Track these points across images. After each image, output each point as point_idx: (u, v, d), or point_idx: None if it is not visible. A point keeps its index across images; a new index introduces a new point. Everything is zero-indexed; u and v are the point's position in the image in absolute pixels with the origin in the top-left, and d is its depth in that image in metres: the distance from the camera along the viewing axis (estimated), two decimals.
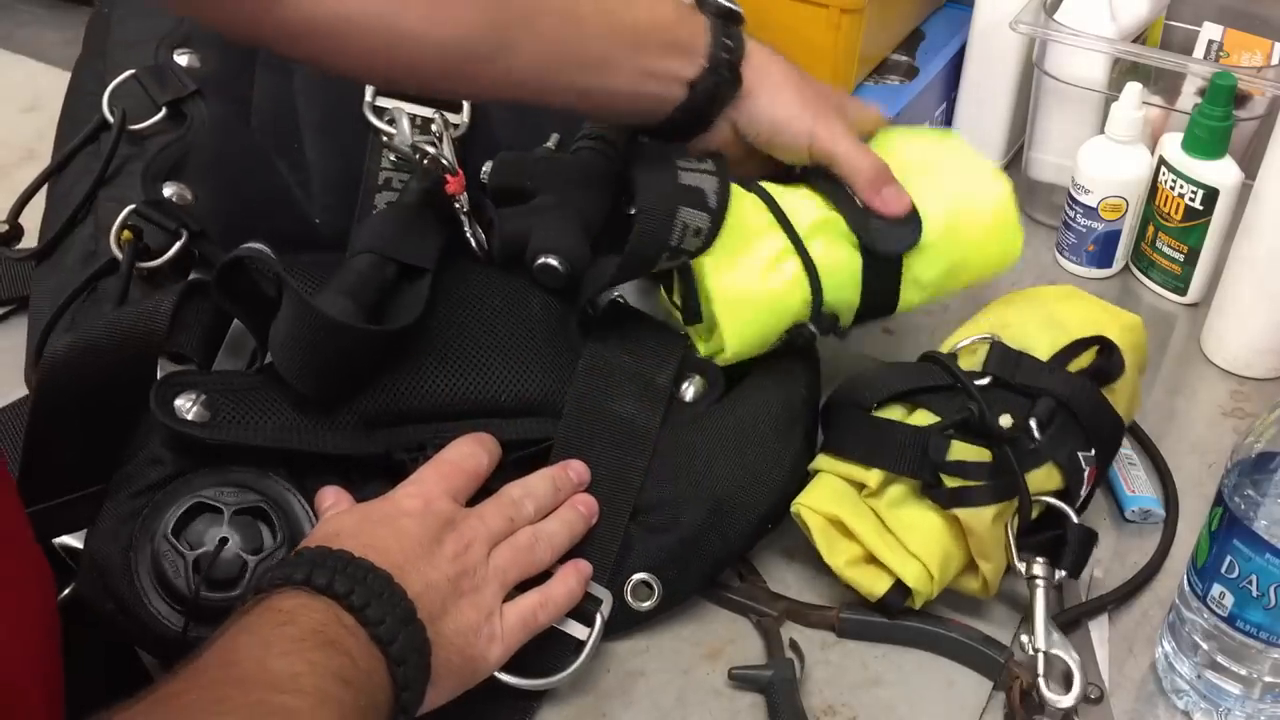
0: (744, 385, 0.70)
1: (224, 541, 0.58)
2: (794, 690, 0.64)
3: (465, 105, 0.73)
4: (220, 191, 0.70)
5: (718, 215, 0.66)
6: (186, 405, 0.60)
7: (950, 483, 0.65)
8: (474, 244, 0.68)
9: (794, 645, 0.67)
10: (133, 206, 0.69)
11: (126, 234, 0.68)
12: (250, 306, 0.63)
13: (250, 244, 0.62)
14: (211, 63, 0.74)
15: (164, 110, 0.73)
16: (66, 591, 0.61)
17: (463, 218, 0.68)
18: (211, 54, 0.74)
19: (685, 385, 0.69)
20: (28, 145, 1.02)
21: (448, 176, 0.67)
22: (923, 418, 0.68)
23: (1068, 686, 0.63)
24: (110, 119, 0.74)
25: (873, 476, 0.66)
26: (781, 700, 0.63)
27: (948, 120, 1.06)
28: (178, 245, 0.67)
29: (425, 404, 0.63)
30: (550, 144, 0.73)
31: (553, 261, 0.64)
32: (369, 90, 0.72)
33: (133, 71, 0.73)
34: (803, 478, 0.70)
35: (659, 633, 0.68)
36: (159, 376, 0.61)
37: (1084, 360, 0.71)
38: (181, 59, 0.74)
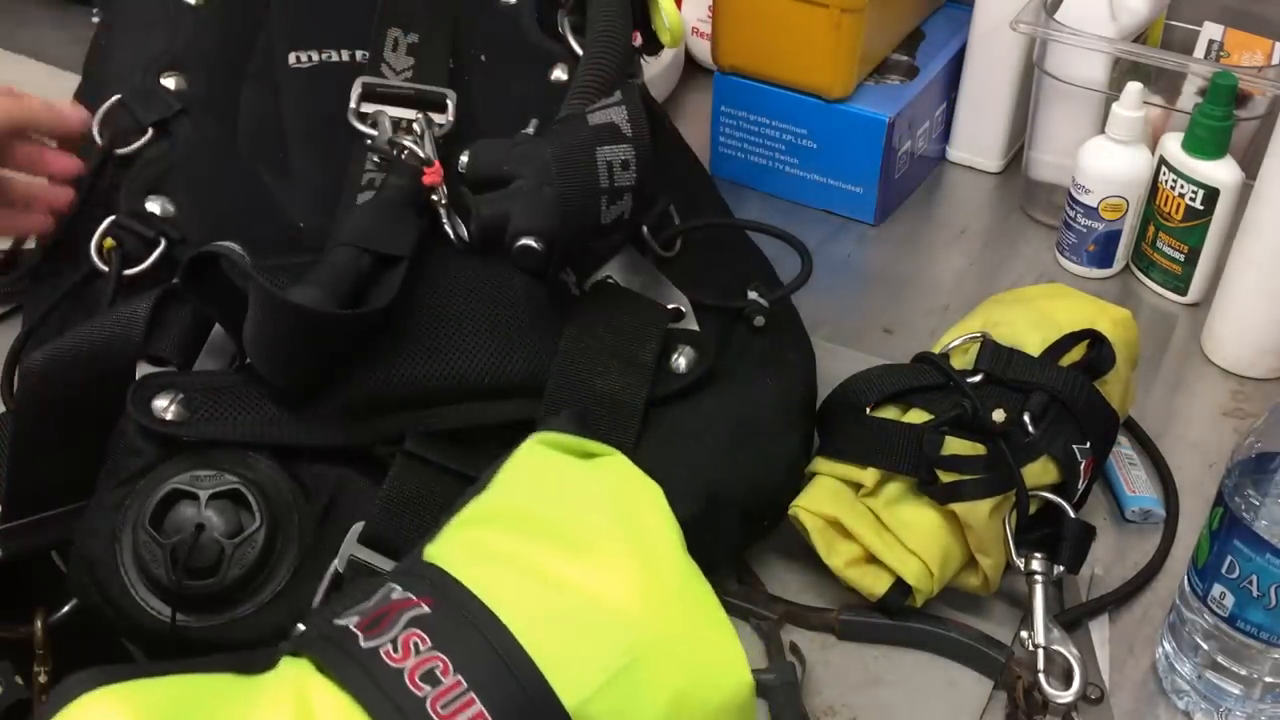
0: (741, 378, 0.69)
1: (200, 528, 0.58)
2: (796, 694, 0.64)
3: (450, 104, 0.73)
4: (202, 203, 0.70)
5: (640, 142, 0.63)
6: (164, 405, 0.60)
7: (946, 478, 0.65)
8: (453, 235, 0.68)
9: (794, 648, 0.67)
10: (111, 218, 0.69)
11: (109, 242, 0.68)
12: (226, 305, 0.63)
13: (220, 243, 0.62)
14: (199, 84, 0.75)
15: (150, 131, 0.73)
16: (64, 610, 0.61)
17: (441, 209, 0.68)
18: (199, 75, 0.75)
19: (675, 357, 0.67)
20: None
21: (425, 169, 0.67)
22: (917, 417, 0.68)
23: (1068, 683, 0.64)
24: (99, 141, 0.74)
25: (869, 476, 0.67)
26: (784, 704, 0.63)
27: (948, 120, 1.06)
28: (157, 252, 0.68)
29: (406, 391, 0.63)
30: (529, 129, 0.73)
31: (531, 243, 0.64)
32: (354, 96, 0.72)
33: (119, 96, 0.74)
34: (800, 477, 0.70)
35: None
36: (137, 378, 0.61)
37: (1075, 355, 0.72)
38: (169, 81, 0.74)
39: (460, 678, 0.41)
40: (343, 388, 0.62)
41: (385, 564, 0.58)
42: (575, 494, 0.48)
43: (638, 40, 0.82)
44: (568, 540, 0.45)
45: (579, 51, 0.76)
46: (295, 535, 0.59)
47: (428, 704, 0.40)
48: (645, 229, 0.71)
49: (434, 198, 0.68)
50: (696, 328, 0.70)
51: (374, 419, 0.63)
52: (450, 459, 0.61)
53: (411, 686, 0.40)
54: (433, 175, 0.67)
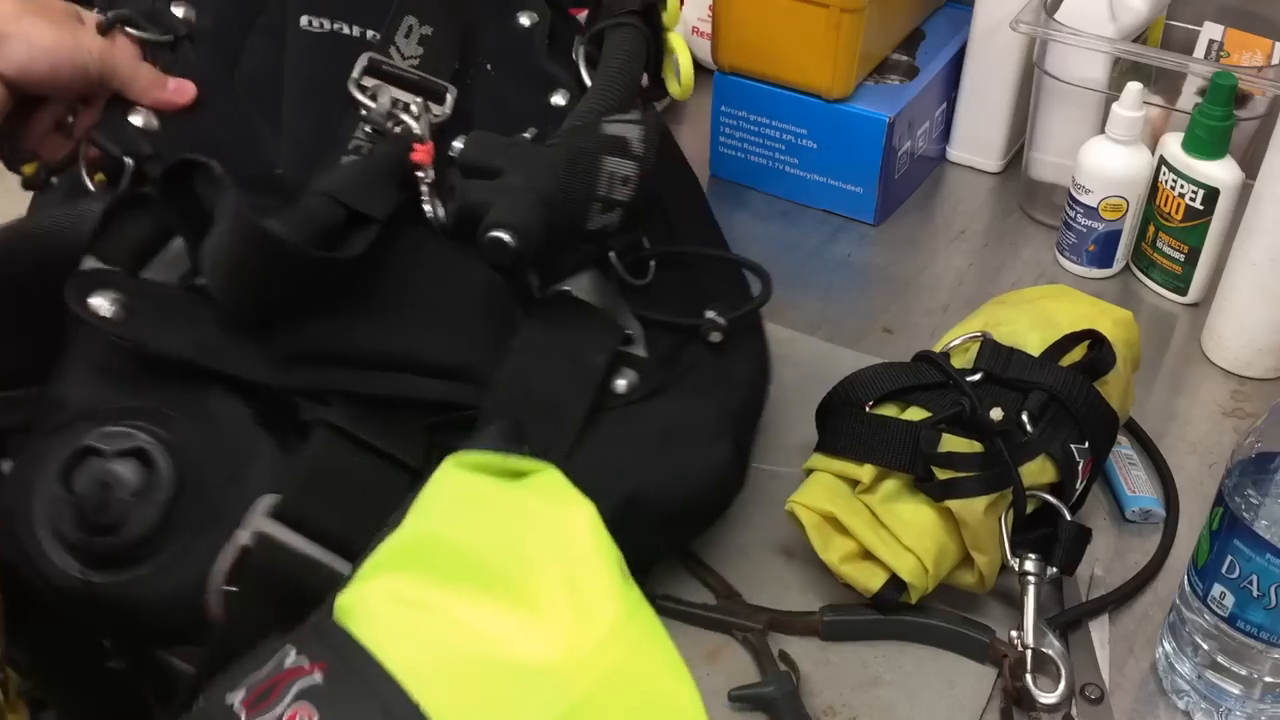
0: (681, 385, 0.69)
1: (105, 486, 0.57)
2: (799, 702, 0.64)
3: (449, 98, 0.73)
4: (186, 124, 0.70)
5: (645, 163, 0.65)
6: (102, 304, 0.59)
7: (942, 475, 0.65)
8: (431, 215, 0.68)
9: (784, 656, 0.66)
10: (86, 132, 0.69)
11: (100, 176, 0.68)
12: (190, 221, 0.62)
13: (202, 156, 0.62)
14: (206, 19, 0.75)
15: (152, 48, 0.73)
16: None
17: (424, 188, 0.68)
18: (208, 10, 0.75)
19: (616, 378, 0.68)
20: None
21: (415, 145, 0.68)
22: (916, 415, 0.68)
23: (1057, 684, 0.64)
24: None
25: (865, 472, 0.67)
26: (786, 714, 0.63)
27: (948, 120, 1.06)
28: (126, 174, 0.67)
29: (350, 349, 0.63)
30: (527, 135, 0.74)
31: (503, 236, 0.64)
32: (358, 67, 0.72)
33: (126, 10, 0.74)
34: (732, 486, 0.69)
35: None
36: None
37: (1076, 355, 0.72)
38: (178, 10, 0.74)
39: None
40: (286, 332, 0.62)
41: (295, 539, 0.58)
42: (499, 525, 0.44)
43: (645, 82, 0.83)
44: (491, 581, 0.41)
45: (587, 82, 0.77)
46: (202, 498, 0.59)
47: None
48: (613, 254, 0.71)
49: (419, 174, 0.68)
50: (644, 354, 0.70)
51: (309, 368, 0.62)
52: (372, 435, 0.61)
53: None
54: (423, 153, 0.68)
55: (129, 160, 0.67)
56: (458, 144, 0.70)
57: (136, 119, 0.69)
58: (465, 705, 0.38)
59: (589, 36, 0.79)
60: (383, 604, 0.42)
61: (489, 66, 0.78)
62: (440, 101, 0.73)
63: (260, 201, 0.63)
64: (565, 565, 0.42)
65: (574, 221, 0.65)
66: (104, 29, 0.69)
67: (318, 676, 0.39)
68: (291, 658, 0.41)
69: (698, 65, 1.15)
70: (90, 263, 0.62)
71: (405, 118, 0.69)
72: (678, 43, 0.82)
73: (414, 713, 0.38)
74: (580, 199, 0.64)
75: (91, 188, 0.68)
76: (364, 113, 0.71)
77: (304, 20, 0.76)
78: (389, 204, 0.66)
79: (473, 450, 0.48)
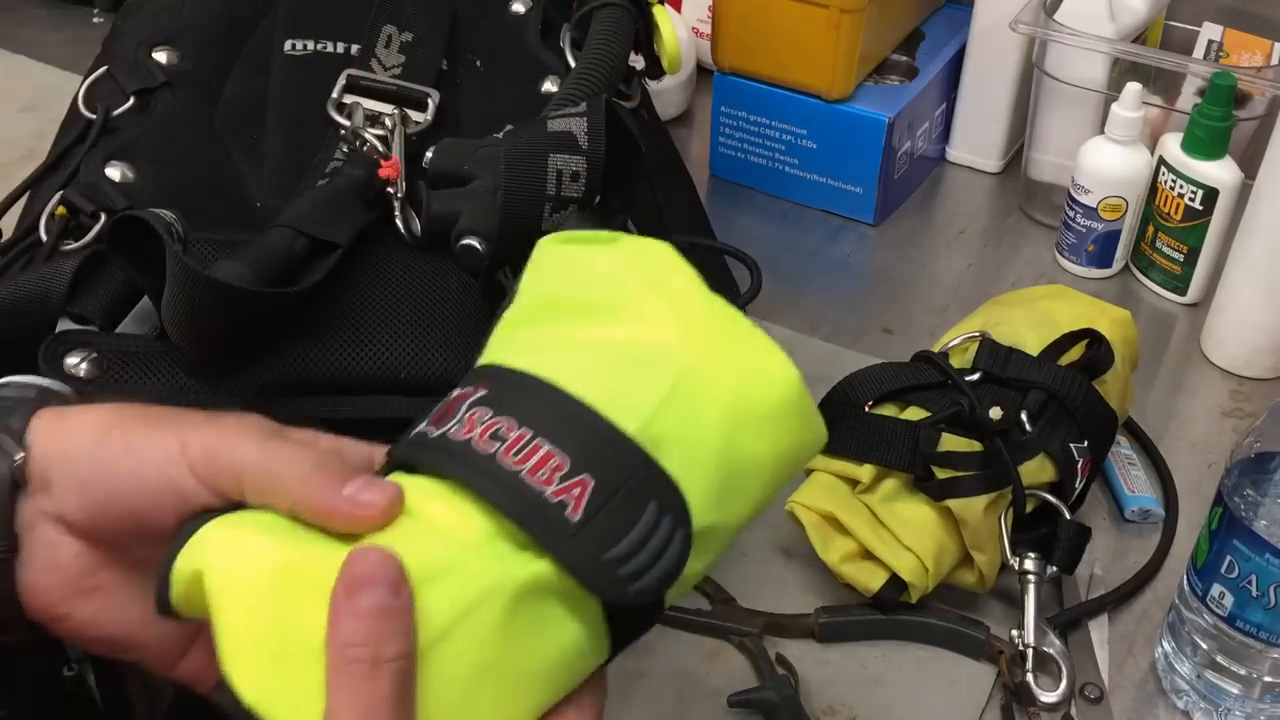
0: None
1: None
2: (797, 705, 0.64)
3: (430, 104, 0.73)
4: (161, 171, 0.70)
5: (594, 156, 0.64)
6: (75, 362, 0.59)
7: (941, 474, 0.65)
8: (403, 229, 0.68)
9: (782, 660, 0.66)
10: (59, 193, 0.68)
11: (60, 210, 0.68)
12: (154, 272, 0.62)
13: (155, 210, 0.61)
14: (189, 60, 0.74)
15: (131, 100, 0.73)
16: None
17: (395, 203, 0.68)
18: (190, 52, 0.75)
19: None
20: (27, 144, 1.01)
21: (381, 161, 0.67)
22: (915, 414, 0.68)
23: (1058, 683, 0.64)
24: (86, 114, 0.74)
25: (865, 472, 0.67)
26: (786, 718, 0.63)
27: (948, 120, 1.06)
28: (97, 228, 0.67)
29: (323, 375, 0.62)
30: (500, 135, 0.73)
31: (474, 243, 0.64)
32: (337, 87, 0.72)
33: (106, 68, 0.74)
34: None
35: (656, 637, 0.68)
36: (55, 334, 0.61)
37: (1074, 355, 0.72)
38: (160, 55, 0.74)
39: (526, 430, 0.43)
40: (259, 366, 0.62)
41: None
42: (596, 271, 0.49)
43: (640, 63, 0.83)
44: (600, 310, 0.47)
45: (574, 66, 0.76)
46: None
47: (498, 457, 0.42)
48: None
49: (390, 190, 0.68)
50: None
51: (284, 401, 0.62)
52: None
53: (480, 447, 0.43)
54: (389, 169, 0.67)
55: (102, 215, 0.67)
56: (429, 154, 0.69)
57: (113, 171, 0.69)
58: (603, 381, 0.44)
59: (575, 20, 0.78)
60: (510, 349, 0.48)
61: (478, 63, 0.78)
62: (422, 109, 0.73)
63: (235, 238, 0.64)
64: (660, 286, 0.47)
65: (527, 224, 0.64)
66: None
67: (484, 391, 0.45)
68: (456, 391, 0.46)
69: (698, 66, 1.15)
70: (64, 324, 0.62)
71: (370, 134, 0.69)
72: (661, 15, 0.81)
73: (567, 395, 0.44)
74: (530, 201, 0.64)
75: (44, 233, 0.67)
76: (342, 132, 0.71)
77: (288, 45, 0.76)
78: (354, 226, 0.65)
79: (561, 229, 0.53)
